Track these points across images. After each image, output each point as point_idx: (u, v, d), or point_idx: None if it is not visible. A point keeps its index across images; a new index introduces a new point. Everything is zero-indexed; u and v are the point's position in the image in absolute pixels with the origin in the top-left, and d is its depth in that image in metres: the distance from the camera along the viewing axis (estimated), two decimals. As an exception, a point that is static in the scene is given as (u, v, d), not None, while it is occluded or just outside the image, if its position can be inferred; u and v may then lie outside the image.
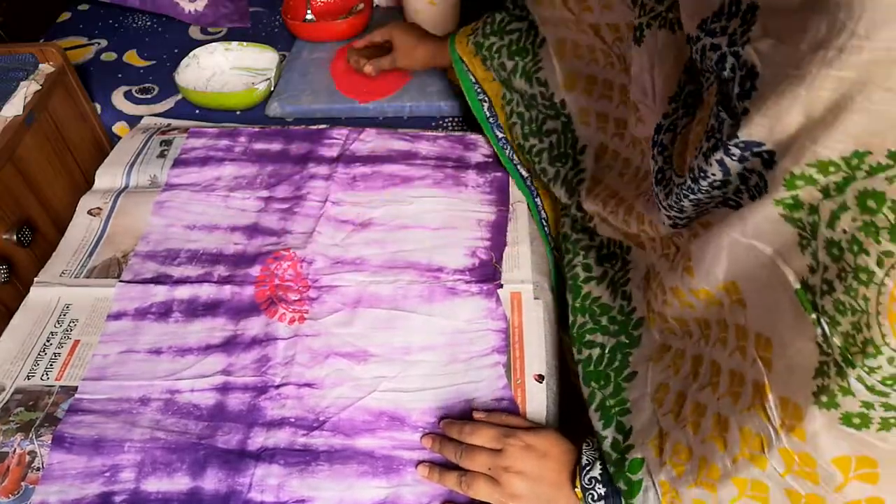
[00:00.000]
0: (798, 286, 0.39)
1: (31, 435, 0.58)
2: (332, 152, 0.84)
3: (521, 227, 0.76)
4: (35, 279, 0.71)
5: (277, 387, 0.62)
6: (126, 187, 0.82)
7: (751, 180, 0.41)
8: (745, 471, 0.42)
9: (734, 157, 0.41)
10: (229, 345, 0.65)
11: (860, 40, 0.31)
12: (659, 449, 0.50)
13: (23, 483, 0.56)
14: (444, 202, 0.77)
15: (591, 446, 0.55)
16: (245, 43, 1.02)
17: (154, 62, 1.04)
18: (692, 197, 0.46)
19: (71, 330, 0.67)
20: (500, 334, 0.66)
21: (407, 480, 0.57)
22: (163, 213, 0.77)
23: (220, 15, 1.11)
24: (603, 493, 0.51)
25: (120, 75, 1.01)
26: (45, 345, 0.66)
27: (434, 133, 0.87)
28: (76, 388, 0.62)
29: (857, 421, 0.37)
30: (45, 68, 0.85)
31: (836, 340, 0.37)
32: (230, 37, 1.09)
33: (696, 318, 0.51)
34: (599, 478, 0.52)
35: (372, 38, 0.95)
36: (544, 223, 0.76)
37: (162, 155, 0.85)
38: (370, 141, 0.85)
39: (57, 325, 0.67)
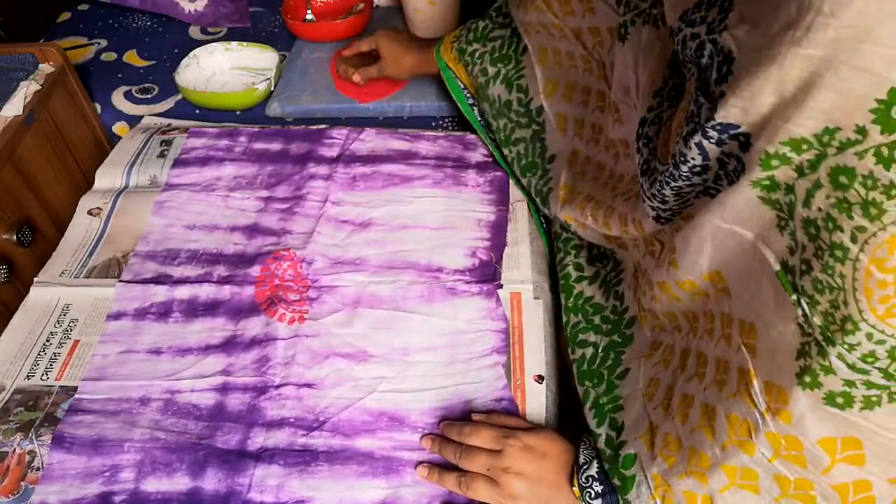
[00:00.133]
0: (778, 268, 0.40)
1: (30, 435, 0.58)
2: (332, 152, 0.84)
3: (520, 226, 0.76)
4: (35, 279, 0.71)
5: (277, 387, 0.62)
6: (126, 187, 0.82)
7: (729, 165, 0.41)
8: (734, 458, 0.43)
9: (712, 140, 0.41)
10: (229, 345, 0.65)
11: (826, 18, 0.32)
12: (650, 443, 0.50)
13: (22, 483, 0.56)
14: (443, 202, 0.77)
15: (588, 445, 0.55)
16: (245, 43, 1.02)
17: (154, 62, 1.04)
18: (673, 184, 0.46)
19: (71, 330, 0.67)
20: (500, 335, 0.66)
21: (406, 481, 0.57)
22: (163, 213, 0.77)
23: (220, 15, 1.11)
24: (600, 491, 0.51)
25: (120, 75, 1.02)
26: (44, 345, 0.66)
27: (434, 133, 0.87)
28: (76, 388, 0.62)
29: (840, 400, 0.37)
30: (45, 68, 0.85)
31: (817, 320, 0.37)
32: (230, 37, 1.09)
33: (683, 311, 0.51)
34: (596, 476, 0.52)
35: (359, 46, 0.94)
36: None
37: (162, 155, 0.85)
38: (370, 141, 0.85)
39: (57, 325, 0.67)
